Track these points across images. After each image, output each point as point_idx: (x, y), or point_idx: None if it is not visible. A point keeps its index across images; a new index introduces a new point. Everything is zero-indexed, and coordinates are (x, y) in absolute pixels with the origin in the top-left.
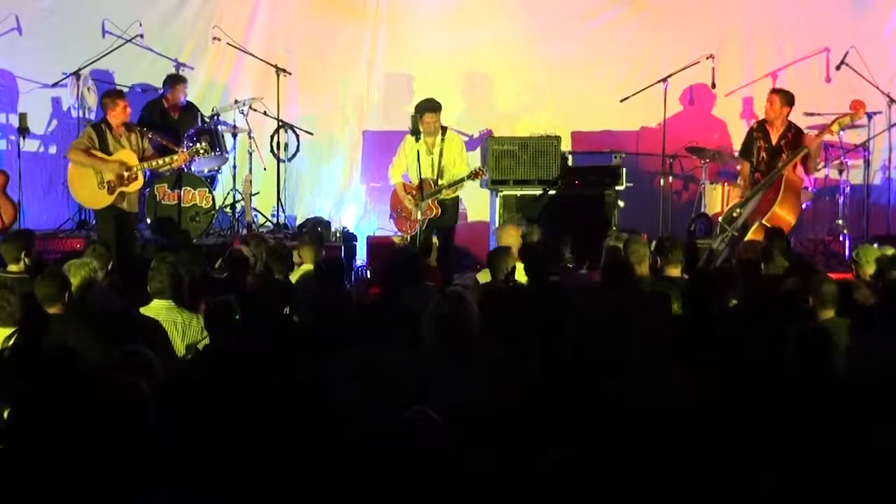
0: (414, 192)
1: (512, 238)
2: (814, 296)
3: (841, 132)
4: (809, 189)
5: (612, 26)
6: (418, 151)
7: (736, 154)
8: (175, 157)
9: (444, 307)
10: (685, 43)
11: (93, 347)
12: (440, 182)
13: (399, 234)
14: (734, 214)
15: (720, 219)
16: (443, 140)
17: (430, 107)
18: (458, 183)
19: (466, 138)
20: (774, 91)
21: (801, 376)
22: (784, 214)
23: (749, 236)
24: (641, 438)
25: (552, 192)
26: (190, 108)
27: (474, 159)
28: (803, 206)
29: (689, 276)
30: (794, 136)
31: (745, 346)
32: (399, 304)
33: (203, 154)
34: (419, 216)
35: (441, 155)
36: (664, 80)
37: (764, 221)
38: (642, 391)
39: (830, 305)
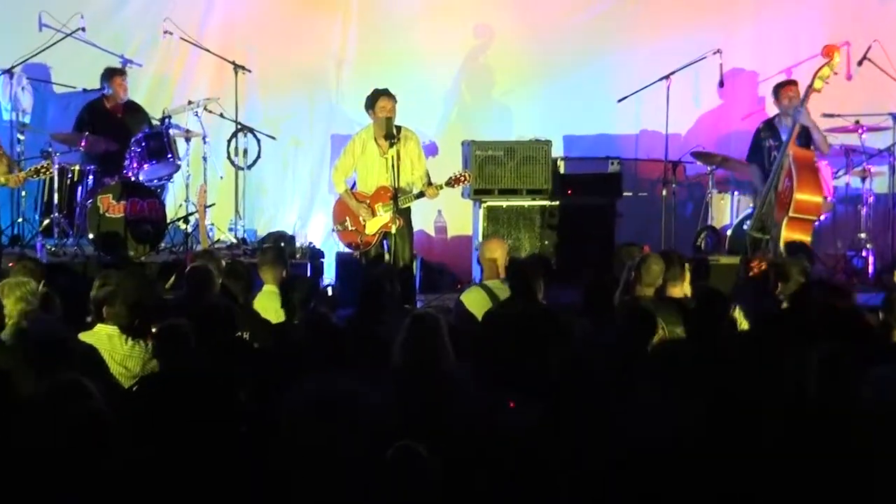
0: (368, 202)
1: (497, 253)
2: (888, 313)
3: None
4: (829, 199)
5: (609, 17)
6: (372, 153)
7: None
8: (9, 178)
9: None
10: (689, 36)
11: (27, 375)
12: (404, 189)
13: (350, 249)
14: (760, 219)
15: (748, 229)
16: (398, 140)
17: (385, 91)
18: (439, 188)
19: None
20: (794, 82)
21: (825, 407)
22: (808, 197)
23: (784, 234)
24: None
25: (542, 202)
26: (135, 108)
27: (454, 167)
28: (822, 217)
29: (696, 295)
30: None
31: (760, 372)
32: (376, 329)
33: (44, 174)
34: (378, 228)
35: (398, 157)
36: (666, 77)
37: (792, 214)
38: (634, 421)
39: None
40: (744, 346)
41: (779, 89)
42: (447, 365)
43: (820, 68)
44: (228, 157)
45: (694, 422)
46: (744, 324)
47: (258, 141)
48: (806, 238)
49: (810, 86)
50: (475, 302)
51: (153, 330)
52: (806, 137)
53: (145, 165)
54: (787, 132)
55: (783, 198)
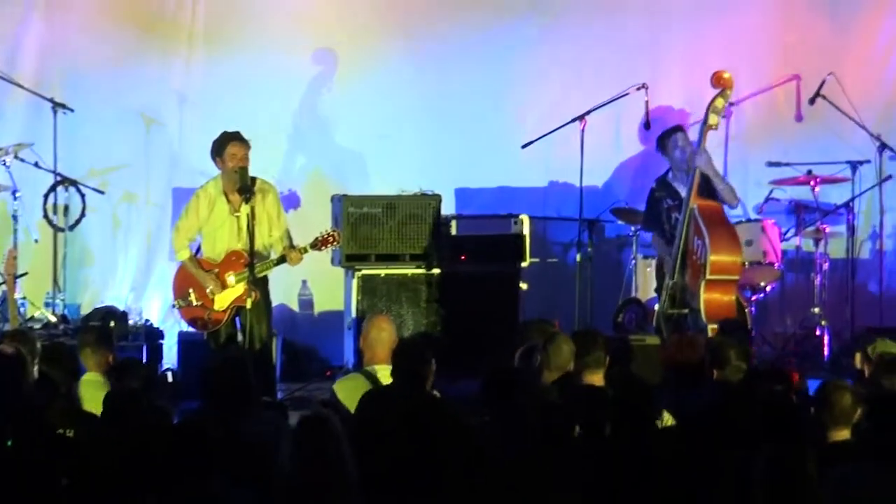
0: (216, 271)
1: (386, 332)
2: (822, 409)
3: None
4: (776, 265)
5: (510, 43)
6: (221, 211)
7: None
8: None
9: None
10: (610, 68)
11: None
12: (261, 254)
13: (195, 328)
14: (672, 293)
15: (660, 307)
16: (253, 195)
17: (236, 135)
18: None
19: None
20: (680, 127)
21: None
22: (725, 257)
23: (704, 298)
24: None
25: (429, 270)
26: None
27: (322, 226)
28: (768, 288)
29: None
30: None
31: (694, 477)
32: (230, 431)
33: None
34: (229, 303)
35: (253, 215)
36: (581, 118)
37: (709, 277)
38: None
39: (844, 423)
40: (674, 445)
41: (664, 139)
42: (350, 478)
43: (713, 100)
44: (45, 216)
45: None
46: (669, 420)
47: (82, 196)
48: (730, 297)
49: (705, 122)
50: (355, 394)
51: None
52: (710, 189)
53: None
54: (686, 185)
55: (695, 261)
